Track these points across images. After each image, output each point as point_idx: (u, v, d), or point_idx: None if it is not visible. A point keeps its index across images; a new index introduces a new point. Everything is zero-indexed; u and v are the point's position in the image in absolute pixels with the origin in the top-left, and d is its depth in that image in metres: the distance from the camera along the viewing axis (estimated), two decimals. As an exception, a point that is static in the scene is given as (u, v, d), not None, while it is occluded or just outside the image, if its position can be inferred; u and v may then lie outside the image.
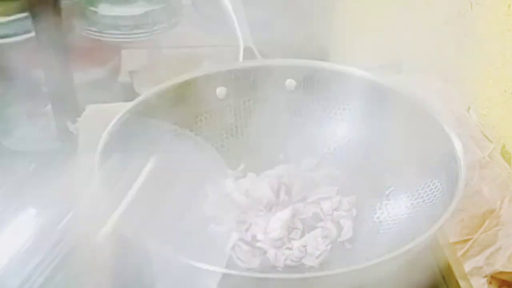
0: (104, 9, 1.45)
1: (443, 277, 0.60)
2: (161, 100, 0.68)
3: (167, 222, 0.63)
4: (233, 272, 0.56)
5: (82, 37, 1.47)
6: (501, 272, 0.62)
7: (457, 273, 0.61)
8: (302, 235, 0.62)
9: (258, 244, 0.61)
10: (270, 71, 0.72)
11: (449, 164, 0.60)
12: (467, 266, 0.63)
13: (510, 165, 0.75)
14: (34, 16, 1.36)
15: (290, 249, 0.61)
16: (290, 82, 0.73)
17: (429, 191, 0.63)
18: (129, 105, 0.66)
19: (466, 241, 0.65)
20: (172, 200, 0.63)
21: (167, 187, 0.63)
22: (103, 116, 0.80)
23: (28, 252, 0.56)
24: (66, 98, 1.47)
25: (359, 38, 1.36)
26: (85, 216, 0.62)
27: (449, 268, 0.61)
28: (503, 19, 0.75)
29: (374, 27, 1.26)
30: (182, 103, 0.70)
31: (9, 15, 1.44)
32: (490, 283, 0.61)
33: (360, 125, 0.71)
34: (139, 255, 0.59)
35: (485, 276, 0.62)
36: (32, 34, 1.40)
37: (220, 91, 0.72)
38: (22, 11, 1.43)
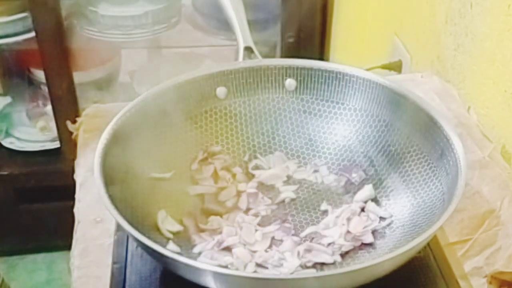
0: (104, 9, 1.45)
1: (443, 277, 0.60)
2: (161, 100, 0.68)
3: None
4: (232, 272, 0.56)
5: (82, 37, 1.47)
6: (501, 272, 0.62)
7: (457, 273, 0.61)
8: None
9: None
10: (270, 71, 0.72)
11: (449, 164, 0.60)
12: (467, 266, 0.63)
13: (510, 165, 0.75)
14: (34, 16, 1.36)
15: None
16: (290, 82, 0.73)
17: (429, 191, 0.63)
18: (129, 105, 0.66)
19: (466, 241, 0.65)
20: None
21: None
22: (103, 116, 0.80)
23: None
24: (66, 98, 1.47)
25: (359, 37, 1.36)
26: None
27: (449, 268, 0.61)
28: (503, 19, 0.75)
29: (374, 27, 1.26)
30: (182, 103, 0.70)
31: (9, 15, 1.45)
32: (490, 283, 0.61)
33: (360, 125, 0.71)
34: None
35: (485, 276, 0.62)
36: (32, 34, 1.40)
37: (220, 91, 0.72)
38: (22, 11, 1.43)
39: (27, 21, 1.41)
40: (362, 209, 0.65)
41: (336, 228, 0.63)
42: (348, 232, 0.62)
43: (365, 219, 0.64)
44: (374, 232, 0.63)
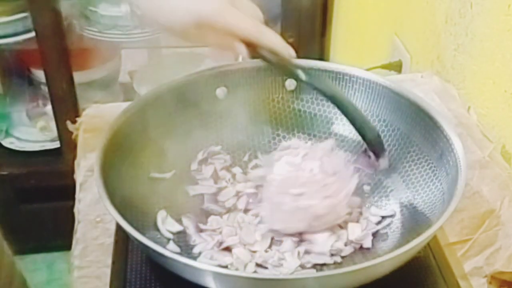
0: (104, 9, 1.45)
1: (443, 277, 0.60)
2: (161, 100, 0.68)
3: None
4: (232, 272, 0.56)
5: (82, 37, 1.47)
6: (501, 272, 0.62)
7: (457, 273, 0.61)
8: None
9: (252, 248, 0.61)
10: (270, 71, 0.72)
11: (449, 164, 0.60)
12: (467, 266, 0.63)
13: (510, 165, 0.75)
14: (34, 16, 1.36)
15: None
16: (290, 82, 0.73)
17: (429, 191, 0.63)
18: (129, 105, 0.66)
19: (466, 241, 0.65)
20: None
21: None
22: (103, 116, 0.81)
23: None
24: (66, 98, 1.47)
25: (359, 37, 1.36)
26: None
27: (449, 268, 0.61)
28: (503, 19, 0.75)
29: (374, 27, 1.26)
30: (182, 103, 0.70)
31: (9, 15, 1.45)
32: (490, 283, 0.61)
33: (360, 125, 0.71)
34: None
35: (485, 276, 0.62)
36: (32, 34, 1.40)
37: (220, 91, 0.72)
38: (22, 11, 1.43)
39: (27, 21, 1.41)
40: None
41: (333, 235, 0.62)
42: (348, 240, 0.62)
43: (365, 224, 0.63)
44: (374, 233, 0.63)
